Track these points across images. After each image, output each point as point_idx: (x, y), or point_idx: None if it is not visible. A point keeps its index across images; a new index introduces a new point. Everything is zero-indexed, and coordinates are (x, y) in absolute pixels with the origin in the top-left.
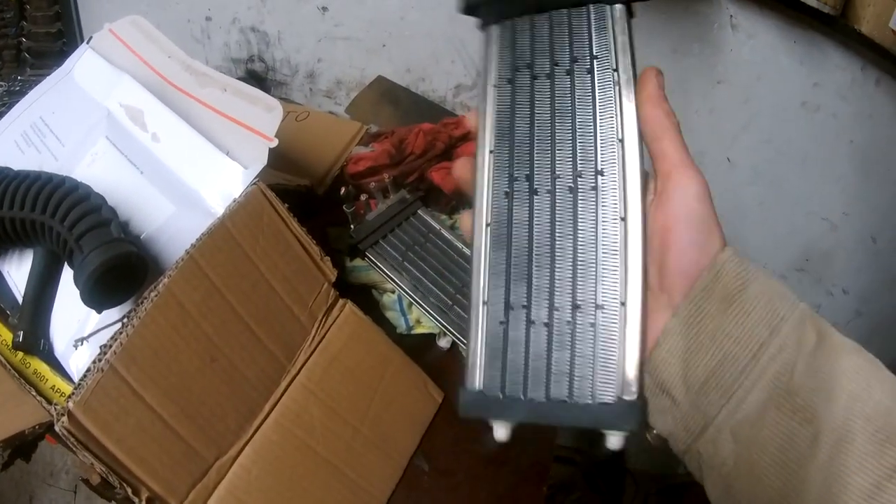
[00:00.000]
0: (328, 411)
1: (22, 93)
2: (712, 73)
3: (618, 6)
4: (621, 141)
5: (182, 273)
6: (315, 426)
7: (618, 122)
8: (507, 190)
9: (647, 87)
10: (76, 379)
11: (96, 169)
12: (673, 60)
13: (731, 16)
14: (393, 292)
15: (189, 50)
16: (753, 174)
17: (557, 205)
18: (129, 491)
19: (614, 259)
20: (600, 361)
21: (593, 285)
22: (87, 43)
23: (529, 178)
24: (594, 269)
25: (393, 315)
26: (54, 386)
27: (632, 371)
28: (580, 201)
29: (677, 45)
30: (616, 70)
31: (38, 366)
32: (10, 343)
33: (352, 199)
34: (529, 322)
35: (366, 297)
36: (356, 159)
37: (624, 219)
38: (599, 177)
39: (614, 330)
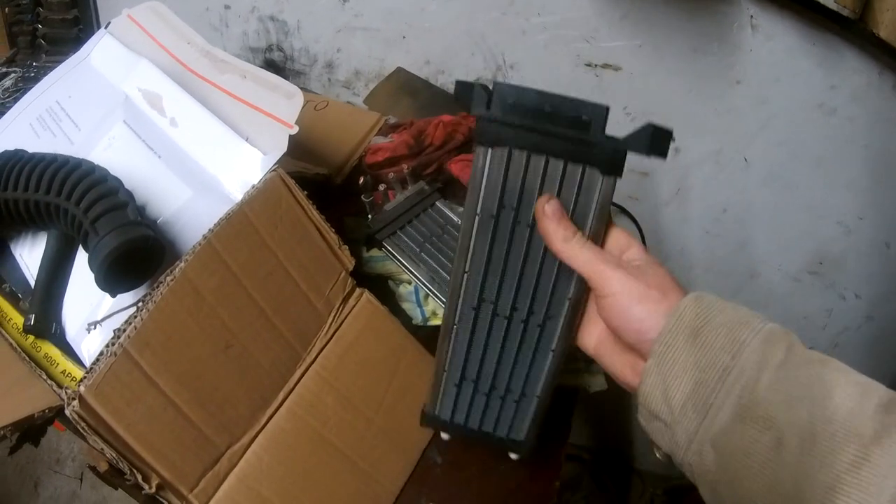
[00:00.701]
0: (342, 401)
1: (37, 79)
2: (731, 72)
3: (609, 177)
4: (570, 299)
5: (199, 258)
6: (329, 416)
7: (573, 285)
8: (474, 305)
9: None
10: (87, 363)
11: (113, 153)
12: (692, 59)
13: (752, 16)
14: (409, 283)
15: (207, 38)
16: (769, 175)
17: (511, 329)
18: (140, 477)
19: (540, 371)
20: (516, 421)
21: (523, 383)
22: (106, 28)
23: (494, 303)
24: (526, 373)
25: (409, 306)
26: (65, 370)
27: (531, 429)
28: (527, 332)
29: (697, 43)
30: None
31: (50, 350)
32: (21, 326)
33: (370, 190)
34: (476, 390)
35: (382, 288)
36: (374, 149)
37: (553, 350)
38: (547, 321)
39: (527, 408)
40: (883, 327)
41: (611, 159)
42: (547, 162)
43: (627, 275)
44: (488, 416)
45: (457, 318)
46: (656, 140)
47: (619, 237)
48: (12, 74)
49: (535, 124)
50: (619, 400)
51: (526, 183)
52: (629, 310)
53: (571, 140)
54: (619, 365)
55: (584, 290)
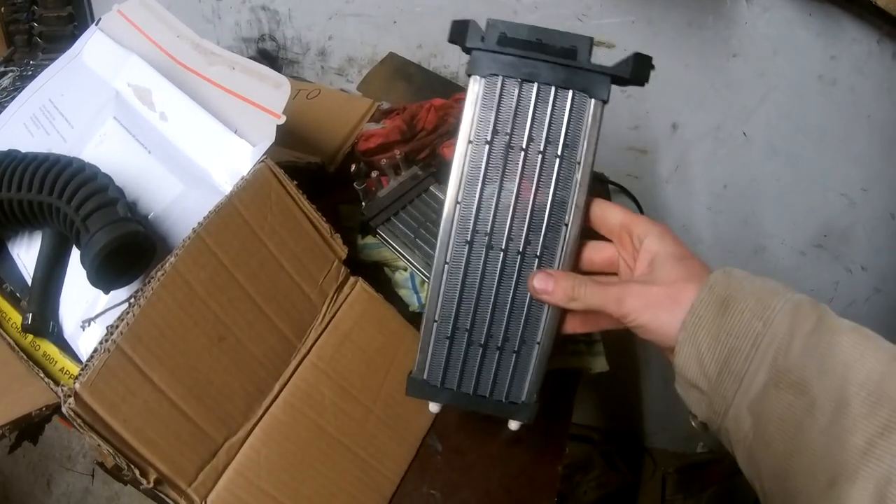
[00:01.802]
0: (339, 391)
1: (34, 77)
2: (727, 46)
3: (597, 101)
4: (566, 225)
5: (189, 252)
6: (326, 406)
7: (570, 210)
8: (468, 239)
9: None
10: (84, 360)
11: (105, 149)
12: (688, 34)
13: None
14: (405, 270)
15: (200, 30)
16: (770, 150)
17: (507, 262)
18: (137, 472)
19: (539, 312)
20: (516, 377)
21: (520, 326)
22: (96, 24)
23: (489, 234)
24: (523, 315)
25: (405, 293)
26: (63, 368)
27: (534, 385)
28: (524, 264)
29: (692, 17)
30: (580, 164)
31: (48, 348)
32: (20, 325)
33: (363, 177)
34: (469, 342)
35: (378, 276)
36: (367, 136)
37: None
38: (544, 249)
39: (527, 359)
40: (891, 299)
41: (597, 84)
42: (539, 88)
43: (636, 291)
44: (484, 375)
45: (447, 257)
46: (638, 66)
47: (631, 224)
48: (10, 73)
49: (525, 53)
50: (627, 379)
51: (519, 109)
52: (650, 323)
53: (560, 67)
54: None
55: (582, 217)
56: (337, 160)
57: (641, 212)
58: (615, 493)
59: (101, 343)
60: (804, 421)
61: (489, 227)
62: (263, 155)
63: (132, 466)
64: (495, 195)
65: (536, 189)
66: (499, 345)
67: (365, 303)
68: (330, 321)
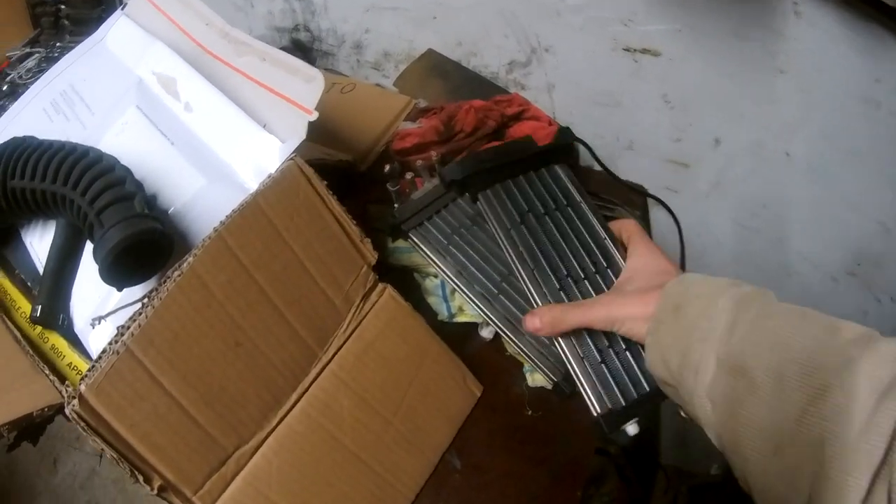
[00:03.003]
0: (359, 402)
1: (59, 60)
2: (773, 61)
3: (559, 166)
4: (606, 238)
5: (208, 252)
6: (344, 418)
7: (600, 229)
8: (558, 286)
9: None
10: (94, 357)
11: (125, 139)
12: (734, 45)
13: (795, 2)
14: (436, 277)
15: (231, 19)
16: (809, 170)
17: (590, 279)
18: (141, 478)
19: None
20: (635, 369)
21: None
22: (122, 9)
23: (568, 273)
24: None
25: (434, 301)
26: (71, 363)
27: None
28: (599, 275)
29: (739, 29)
30: (582, 202)
31: (57, 341)
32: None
33: (396, 177)
34: (606, 356)
35: (407, 280)
36: (402, 135)
37: None
38: (606, 259)
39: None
40: None
41: (562, 155)
42: (518, 179)
43: (610, 309)
44: (630, 374)
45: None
46: (565, 149)
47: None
48: (35, 55)
49: (493, 163)
50: None
51: (519, 196)
52: (631, 333)
53: (517, 161)
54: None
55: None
56: (369, 159)
57: (678, 225)
58: None
59: (110, 344)
60: (746, 399)
61: (566, 268)
62: (293, 152)
63: (136, 472)
64: (553, 248)
65: (571, 229)
66: (616, 348)
67: (392, 311)
68: (354, 329)
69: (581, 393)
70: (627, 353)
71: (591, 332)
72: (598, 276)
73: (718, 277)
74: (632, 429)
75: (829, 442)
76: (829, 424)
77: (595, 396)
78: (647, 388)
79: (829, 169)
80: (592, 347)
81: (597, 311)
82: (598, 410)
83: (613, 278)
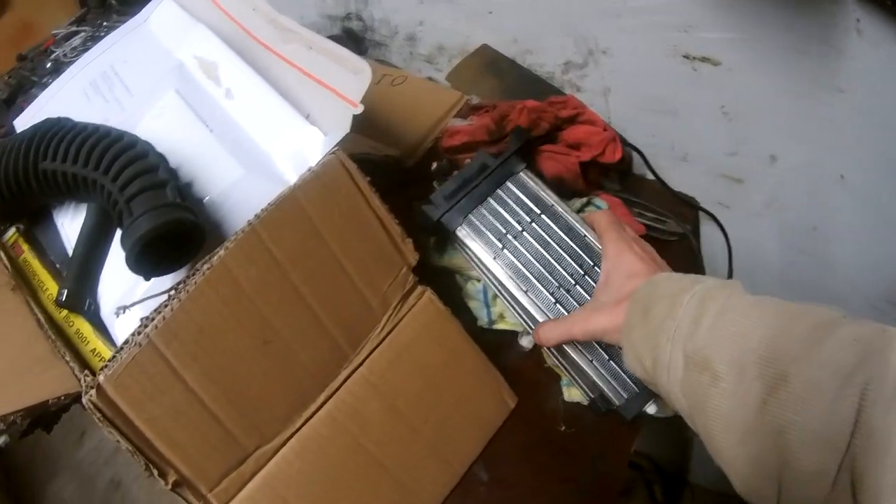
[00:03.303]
0: (388, 408)
1: (103, 40)
2: (832, 79)
3: (521, 172)
4: (584, 236)
5: (240, 246)
6: (372, 423)
7: (579, 227)
8: (552, 300)
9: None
10: (119, 345)
11: (162, 123)
12: (794, 60)
13: (858, 20)
14: (478, 280)
15: (280, 4)
16: (862, 195)
17: (583, 284)
18: (156, 472)
19: None
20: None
21: None
22: None
23: (560, 285)
24: None
25: (475, 305)
26: (95, 349)
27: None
28: (590, 277)
29: (800, 43)
30: (553, 204)
31: (82, 326)
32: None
33: (443, 175)
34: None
35: (449, 281)
36: (452, 132)
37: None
38: (594, 259)
39: None
40: None
41: (513, 164)
42: (491, 199)
43: (587, 324)
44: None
45: (546, 314)
46: (525, 150)
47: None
48: (81, 33)
49: (464, 193)
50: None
51: (497, 217)
52: (610, 340)
53: (484, 180)
54: None
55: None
56: (417, 154)
57: (728, 241)
58: None
59: (133, 335)
60: (710, 391)
61: (559, 280)
62: (336, 146)
63: (151, 466)
64: (544, 261)
65: (557, 236)
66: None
67: (430, 316)
68: (389, 333)
69: (614, 406)
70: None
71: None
72: (586, 277)
73: (686, 275)
74: (652, 409)
75: (791, 431)
76: (790, 414)
77: (612, 392)
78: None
79: (883, 195)
80: (597, 347)
81: (576, 328)
82: (592, 395)
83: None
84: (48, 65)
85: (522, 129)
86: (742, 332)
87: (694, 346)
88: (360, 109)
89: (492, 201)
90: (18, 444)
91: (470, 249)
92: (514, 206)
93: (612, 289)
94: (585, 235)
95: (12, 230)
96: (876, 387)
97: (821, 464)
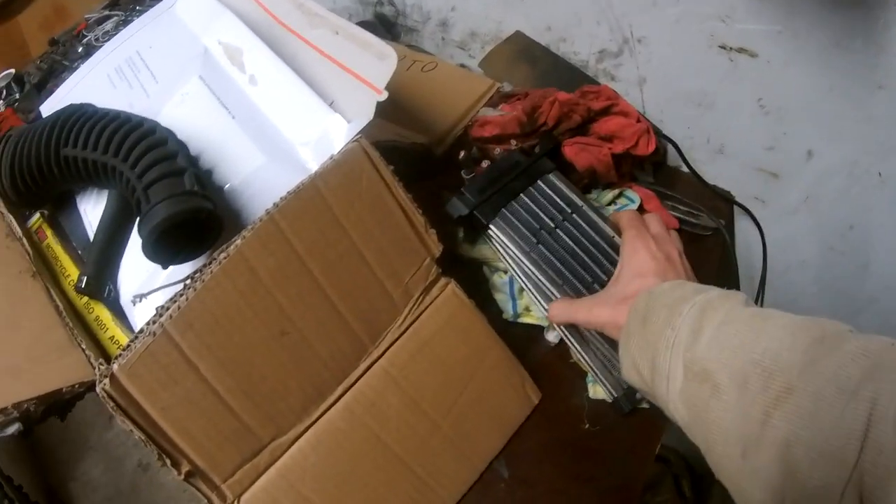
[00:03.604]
0: (408, 402)
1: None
2: (873, 75)
3: (552, 174)
4: (613, 237)
5: (258, 235)
6: (390, 417)
7: (606, 227)
8: (586, 293)
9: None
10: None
11: (185, 110)
12: (835, 55)
13: None
14: (504, 273)
15: None
16: None
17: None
18: (169, 462)
19: None
20: None
21: None
22: None
23: (594, 279)
24: None
25: (501, 298)
26: (113, 336)
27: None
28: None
29: (840, 38)
30: (583, 205)
31: (101, 313)
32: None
33: (472, 165)
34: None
35: (476, 273)
36: (482, 122)
37: None
38: (619, 257)
39: None
40: None
41: (543, 166)
42: (522, 197)
43: (590, 313)
44: None
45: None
46: (553, 152)
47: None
48: (113, 18)
49: (496, 188)
50: None
51: (529, 212)
52: (610, 335)
53: (517, 178)
54: None
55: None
56: (446, 142)
57: (763, 237)
58: None
59: (147, 324)
60: (711, 403)
61: (591, 276)
62: (359, 133)
63: (164, 456)
64: (573, 258)
65: (586, 235)
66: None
67: (453, 308)
68: (410, 325)
69: (640, 406)
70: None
71: None
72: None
73: (688, 284)
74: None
75: (797, 445)
76: (795, 427)
77: (611, 382)
78: None
79: None
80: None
81: (580, 314)
82: (615, 394)
83: None
84: (80, 49)
85: (551, 136)
86: (745, 343)
87: (693, 356)
88: (384, 96)
89: (524, 197)
90: (48, 426)
91: (504, 243)
92: (547, 203)
93: (620, 285)
94: (614, 236)
95: (36, 215)
96: (885, 402)
97: (827, 479)
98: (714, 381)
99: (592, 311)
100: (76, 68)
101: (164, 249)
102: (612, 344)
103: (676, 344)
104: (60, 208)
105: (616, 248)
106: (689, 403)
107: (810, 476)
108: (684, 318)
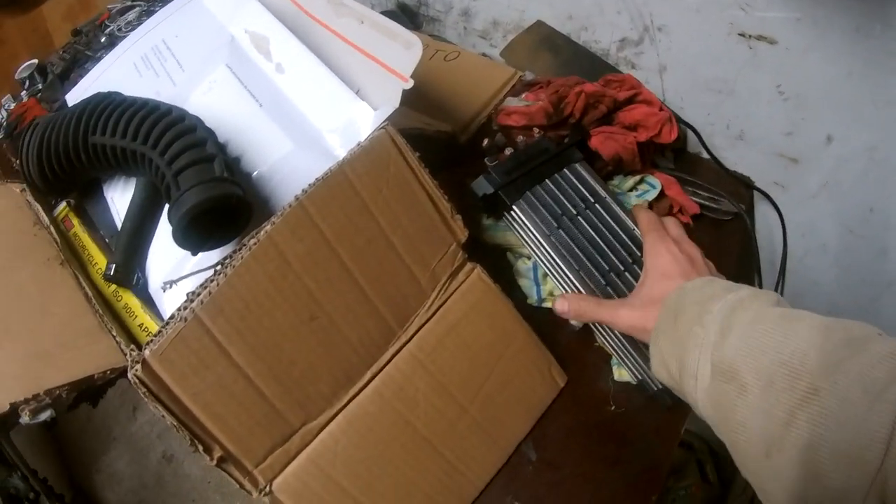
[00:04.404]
0: (436, 386)
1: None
2: (892, 60)
3: (578, 163)
4: (633, 229)
5: (287, 222)
6: (419, 401)
7: (628, 220)
8: (602, 281)
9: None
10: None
11: (213, 98)
12: (855, 40)
13: None
14: (528, 258)
15: None
16: None
17: (631, 277)
18: (201, 448)
19: None
20: None
21: None
22: None
23: (611, 269)
24: None
25: (526, 283)
26: (143, 324)
27: None
28: (634, 268)
29: (861, 23)
30: (607, 197)
31: (130, 300)
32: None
33: (496, 152)
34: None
35: (500, 259)
36: (509, 111)
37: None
38: (638, 250)
39: None
40: None
41: (571, 155)
42: (546, 183)
43: (623, 315)
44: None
45: (600, 291)
46: (581, 144)
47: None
48: (136, 8)
49: (521, 171)
50: None
51: (553, 198)
52: (639, 338)
53: (543, 164)
54: None
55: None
56: (470, 130)
57: (783, 222)
58: None
59: (178, 310)
60: (737, 402)
61: (608, 264)
62: (385, 121)
63: (196, 441)
64: (591, 246)
65: (608, 225)
66: None
67: (479, 293)
68: (438, 310)
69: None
70: None
71: None
72: (635, 265)
73: (717, 282)
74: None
75: (821, 446)
76: (819, 429)
77: (635, 365)
78: None
79: None
80: None
81: (603, 314)
82: (639, 377)
83: None
84: (102, 39)
85: (581, 127)
86: (772, 343)
87: (721, 355)
88: (410, 84)
89: (549, 183)
90: (71, 417)
91: (526, 224)
92: (571, 191)
93: (645, 288)
94: (634, 228)
95: (63, 204)
96: None
97: (850, 481)
98: (741, 380)
99: (616, 313)
100: (99, 58)
101: (194, 236)
102: (631, 340)
103: (705, 343)
104: (87, 197)
105: (636, 242)
106: (716, 402)
107: (833, 478)
108: (713, 315)
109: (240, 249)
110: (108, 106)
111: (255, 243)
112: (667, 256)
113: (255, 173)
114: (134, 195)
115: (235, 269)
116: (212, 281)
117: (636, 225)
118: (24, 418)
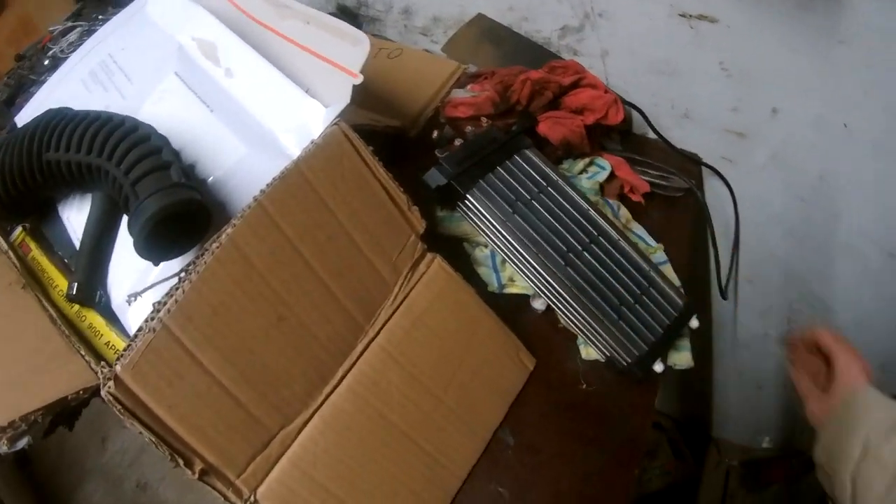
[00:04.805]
0: (408, 378)
1: None
2: (834, 32)
3: (528, 149)
4: (587, 209)
5: (248, 223)
6: (392, 394)
7: (581, 201)
8: (561, 262)
9: None
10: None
11: (164, 107)
12: (796, 16)
13: None
14: (485, 247)
15: None
16: (870, 144)
17: (590, 256)
18: (182, 462)
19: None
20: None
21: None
22: None
23: (569, 249)
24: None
25: (484, 271)
26: (109, 342)
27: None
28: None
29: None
30: (559, 180)
31: (94, 319)
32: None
33: (445, 144)
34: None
35: (456, 250)
36: (456, 103)
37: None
38: (593, 229)
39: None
40: None
41: (520, 141)
42: (498, 169)
43: (816, 404)
44: (644, 322)
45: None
46: (529, 130)
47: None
48: (77, 28)
49: (473, 161)
50: (700, 370)
51: (506, 185)
52: (818, 425)
53: (493, 152)
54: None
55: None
56: (419, 124)
57: (733, 196)
58: (679, 482)
59: (146, 321)
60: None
61: (566, 245)
62: (337, 117)
63: (176, 456)
64: (550, 228)
65: (562, 207)
66: (627, 304)
67: (442, 282)
68: (402, 301)
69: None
70: (637, 305)
71: (600, 292)
72: (592, 245)
73: (883, 400)
74: (658, 367)
75: None
76: None
77: (623, 349)
78: (661, 330)
79: (889, 144)
80: (606, 306)
81: (811, 402)
82: (607, 353)
83: (606, 245)
84: (46, 62)
85: (528, 115)
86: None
87: (877, 453)
88: (360, 79)
89: (501, 171)
90: (43, 454)
91: (481, 212)
92: (523, 177)
93: (834, 390)
94: (588, 210)
95: (18, 229)
96: None
97: None
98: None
99: (816, 403)
100: (44, 81)
101: (155, 245)
102: (619, 311)
103: (859, 459)
104: (42, 219)
105: (592, 222)
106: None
107: None
108: (875, 445)
109: (203, 254)
110: (61, 122)
111: (217, 247)
112: (852, 366)
113: (210, 179)
114: (91, 211)
115: (200, 275)
116: (177, 289)
117: (592, 205)
118: (2, 447)
